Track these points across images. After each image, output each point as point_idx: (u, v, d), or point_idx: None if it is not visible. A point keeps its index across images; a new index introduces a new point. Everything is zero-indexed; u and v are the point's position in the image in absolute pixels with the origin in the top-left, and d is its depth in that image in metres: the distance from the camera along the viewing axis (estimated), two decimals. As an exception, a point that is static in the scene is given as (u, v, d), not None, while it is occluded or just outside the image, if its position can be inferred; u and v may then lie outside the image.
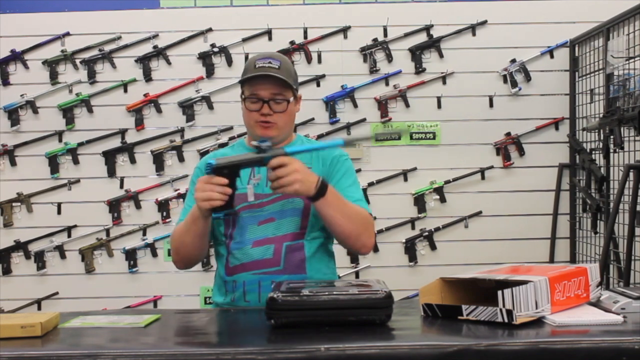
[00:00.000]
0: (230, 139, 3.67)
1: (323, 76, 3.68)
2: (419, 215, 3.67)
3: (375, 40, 3.69)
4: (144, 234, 3.69)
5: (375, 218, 3.53)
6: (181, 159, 3.69)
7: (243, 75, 2.01)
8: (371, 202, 3.60)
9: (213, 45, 3.69)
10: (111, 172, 3.68)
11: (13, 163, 3.67)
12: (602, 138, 3.22)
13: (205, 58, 3.69)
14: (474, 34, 3.70)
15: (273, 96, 1.96)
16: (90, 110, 3.69)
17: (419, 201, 3.66)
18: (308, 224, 1.96)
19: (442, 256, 3.67)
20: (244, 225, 1.95)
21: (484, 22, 3.70)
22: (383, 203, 3.62)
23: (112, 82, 3.70)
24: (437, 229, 3.68)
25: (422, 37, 3.71)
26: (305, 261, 1.95)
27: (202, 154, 3.66)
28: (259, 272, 1.92)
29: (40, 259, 3.66)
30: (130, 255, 3.68)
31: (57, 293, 3.67)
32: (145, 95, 3.68)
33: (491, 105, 3.69)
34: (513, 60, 3.67)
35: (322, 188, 1.80)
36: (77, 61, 3.70)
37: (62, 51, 3.69)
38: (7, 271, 3.66)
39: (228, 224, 1.97)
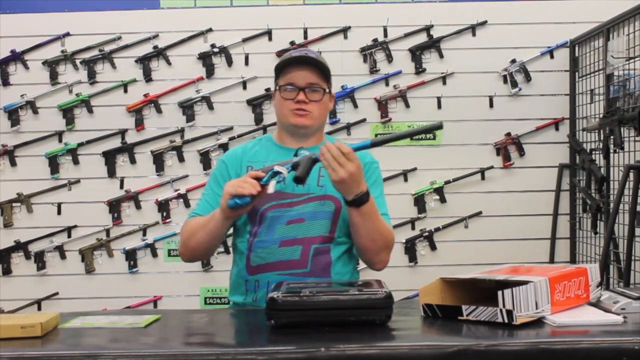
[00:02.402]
0: (231, 139, 3.67)
1: (323, 76, 3.68)
2: (419, 216, 3.67)
3: (375, 40, 3.69)
4: (144, 234, 3.69)
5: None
6: (181, 159, 3.69)
7: (278, 65, 1.98)
8: (371, 202, 3.61)
9: (213, 46, 3.69)
10: (111, 173, 3.68)
11: (13, 163, 3.67)
12: (602, 138, 3.22)
13: (205, 58, 3.69)
14: (474, 34, 3.70)
15: (309, 85, 1.94)
16: (90, 111, 3.69)
17: (419, 201, 3.66)
18: (337, 228, 1.93)
19: (442, 256, 3.67)
20: (271, 223, 1.91)
21: (484, 22, 3.70)
22: (383, 203, 3.62)
23: (112, 82, 3.70)
24: (437, 229, 3.68)
25: (422, 38, 3.71)
26: (331, 265, 1.92)
27: (202, 154, 3.66)
28: (284, 272, 1.88)
29: (40, 259, 3.66)
30: (130, 256, 3.68)
31: (57, 293, 3.67)
32: (145, 95, 3.68)
33: (491, 105, 3.69)
34: (513, 61, 3.67)
35: (360, 199, 1.77)
36: (77, 61, 3.69)
37: (62, 51, 3.69)
38: (7, 271, 3.66)
39: (254, 221, 1.93)
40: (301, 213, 1.91)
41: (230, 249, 3.60)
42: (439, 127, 1.75)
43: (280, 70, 1.98)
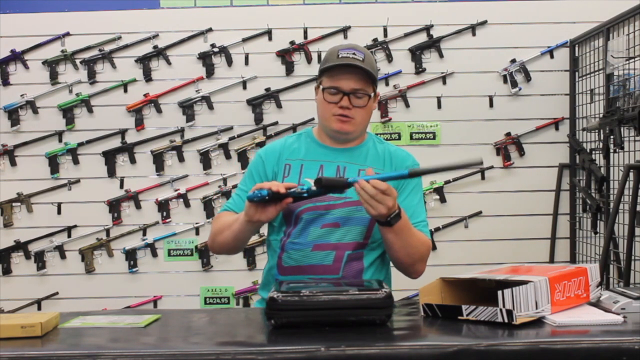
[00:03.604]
0: (231, 139, 3.67)
1: (323, 76, 3.67)
2: (419, 216, 3.67)
3: (375, 40, 3.69)
4: (144, 234, 3.69)
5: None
6: (181, 159, 3.68)
7: (324, 64, 1.91)
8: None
9: (213, 45, 3.69)
10: (111, 172, 3.68)
11: (13, 163, 3.67)
12: (602, 138, 3.22)
13: (205, 58, 3.69)
14: (474, 34, 3.70)
15: (354, 90, 1.87)
16: (90, 110, 3.69)
17: (419, 201, 3.66)
18: (372, 234, 1.90)
19: (442, 256, 3.67)
20: (305, 226, 1.87)
21: (484, 22, 3.70)
22: (383, 203, 3.62)
23: (112, 82, 3.70)
24: (437, 229, 3.68)
25: (422, 37, 3.71)
26: (362, 271, 1.90)
27: (202, 154, 3.66)
28: (316, 277, 1.85)
29: (40, 259, 3.66)
30: (130, 255, 3.68)
31: (57, 293, 3.67)
32: (145, 95, 3.68)
33: (491, 105, 3.69)
34: (513, 60, 3.67)
35: (393, 219, 1.73)
36: (77, 61, 3.69)
37: (62, 51, 3.69)
38: (7, 271, 3.66)
39: (290, 221, 1.89)
40: (337, 217, 1.87)
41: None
42: (479, 163, 1.71)
43: (325, 69, 1.91)
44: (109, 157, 3.68)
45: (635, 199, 2.76)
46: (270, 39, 3.70)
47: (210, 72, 3.69)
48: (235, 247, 1.94)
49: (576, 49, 3.67)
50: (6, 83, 3.69)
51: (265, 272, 2.00)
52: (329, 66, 1.89)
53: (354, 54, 1.89)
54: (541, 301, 1.43)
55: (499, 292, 1.41)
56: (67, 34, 3.70)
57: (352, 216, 1.87)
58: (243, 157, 3.64)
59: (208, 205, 3.65)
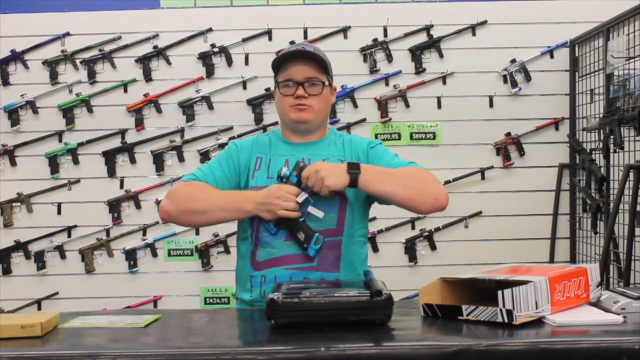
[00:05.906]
0: (230, 139, 3.66)
1: (323, 76, 3.67)
2: (419, 215, 3.66)
3: (375, 40, 3.69)
4: (144, 234, 3.69)
5: (375, 218, 3.55)
6: (181, 159, 3.69)
7: (275, 61, 1.96)
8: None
9: (213, 45, 3.69)
10: (111, 172, 3.68)
11: (13, 163, 3.67)
12: (602, 138, 3.22)
13: (205, 58, 3.69)
14: (474, 34, 3.70)
15: (307, 79, 1.92)
16: (90, 110, 3.69)
17: (419, 201, 3.65)
18: (345, 220, 1.90)
19: (442, 256, 3.67)
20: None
21: (484, 22, 3.70)
22: (383, 203, 3.62)
23: (112, 82, 3.70)
24: (437, 229, 3.68)
25: (422, 37, 3.71)
26: (340, 259, 1.89)
27: (202, 154, 3.66)
28: (291, 267, 1.86)
29: (40, 259, 3.66)
30: (130, 255, 3.68)
31: (57, 293, 3.67)
32: (145, 95, 3.68)
33: (491, 105, 3.69)
34: (513, 60, 3.67)
35: (353, 169, 1.77)
36: (77, 61, 3.70)
37: (62, 51, 3.69)
38: (7, 271, 3.66)
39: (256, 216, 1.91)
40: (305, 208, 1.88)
41: (231, 248, 3.63)
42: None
43: (278, 66, 1.96)
44: (109, 157, 3.68)
45: (635, 199, 2.76)
46: (270, 39, 3.70)
47: (210, 72, 3.69)
48: (214, 220, 1.95)
49: (576, 49, 3.67)
50: (6, 83, 3.69)
51: (239, 271, 1.98)
52: (281, 56, 1.94)
53: (303, 47, 1.96)
54: (541, 301, 1.43)
55: (499, 292, 1.41)
56: (67, 34, 3.70)
57: (319, 204, 1.86)
58: (243, 157, 3.64)
59: (208, 205, 3.65)
